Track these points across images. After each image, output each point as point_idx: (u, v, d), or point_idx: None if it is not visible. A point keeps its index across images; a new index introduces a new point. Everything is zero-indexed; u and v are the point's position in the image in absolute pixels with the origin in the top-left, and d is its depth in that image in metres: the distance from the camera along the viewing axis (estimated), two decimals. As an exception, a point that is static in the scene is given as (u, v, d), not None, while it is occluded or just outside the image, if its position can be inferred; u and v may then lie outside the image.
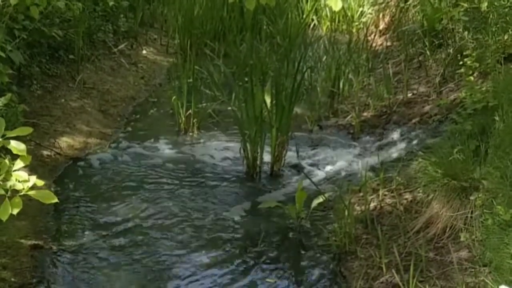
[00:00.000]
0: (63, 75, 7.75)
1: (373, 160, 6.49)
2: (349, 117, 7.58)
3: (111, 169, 6.49)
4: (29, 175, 2.84)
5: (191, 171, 6.54)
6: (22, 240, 5.13)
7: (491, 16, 6.67)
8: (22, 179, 2.74)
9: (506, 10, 6.36)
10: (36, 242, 5.14)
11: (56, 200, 2.77)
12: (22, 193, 2.75)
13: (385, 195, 5.69)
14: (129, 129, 7.51)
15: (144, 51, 9.55)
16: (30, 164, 2.96)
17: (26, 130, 2.86)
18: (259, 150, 6.47)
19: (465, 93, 5.87)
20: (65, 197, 5.91)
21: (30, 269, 4.86)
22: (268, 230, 5.56)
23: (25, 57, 6.87)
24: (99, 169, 6.49)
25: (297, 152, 6.76)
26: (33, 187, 2.78)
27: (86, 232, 5.40)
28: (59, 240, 5.26)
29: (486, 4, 5.64)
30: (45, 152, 6.47)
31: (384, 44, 9.89)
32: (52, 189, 5.89)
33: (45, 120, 6.91)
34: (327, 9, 11.17)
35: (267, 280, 4.97)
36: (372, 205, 5.60)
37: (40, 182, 2.77)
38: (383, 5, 10.58)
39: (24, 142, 2.92)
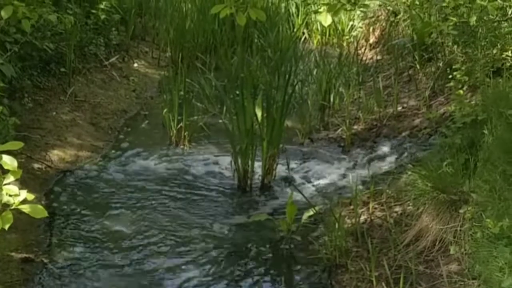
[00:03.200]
0: (55, 88, 7.75)
1: (363, 173, 6.52)
2: (339, 130, 7.61)
3: (102, 182, 6.49)
4: (20, 188, 2.84)
5: (182, 184, 6.55)
6: (13, 253, 5.12)
7: (480, 30, 6.71)
8: (13, 193, 2.74)
9: (495, 24, 6.41)
10: (26, 255, 5.13)
11: (46, 214, 2.78)
12: (12, 207, 2.75)
13: (375, 208, 5.71)
14: (120, 142, 7.51)
15: (135, 64, 9.57)
16: (21, 177, 2.97)
17: (17, 145, 2.86)
18: (250, 163, 6.48)
19: (455, 106, 5.90)
20: (56, 210, 5.91)
21: (21, 282, 4.85)
22: (258, 243, 5.57)
23: (16, 70, 6.87)
24: (90, 182, 6.48)
25: (288, 165, 6.78)
26: (24, 201, 2.78)
27: (77, 245, 5.39)
28: (49, 253, 5.25)
29: (475, 18, 5.67)
30: (36, 165, 6.47)
31: (375, 57, 9.95)
32: (43, 202, 5.90)
33: (36, 133, 6.91)
34: (318, 23, 11.22)
35: (258, 293, 4.98)
36: (362, 218, 5.62)
37: (31, 196, 2.77)
38: (373, 19, 10.65)
39: (15, 155, 2.92)
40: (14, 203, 2.74)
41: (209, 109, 7.98)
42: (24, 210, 2.76)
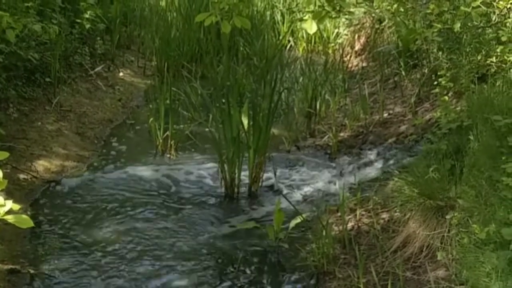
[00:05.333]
0: (40, 98, 7.72)
1: (350, 180, 6.52)
2: (326, 137, 7.62)
3: (88, 192, 6.46)
4: (5, 199, 2.82)
5: (169, 193, 6.53)
6: (-1, 265, 5.10)
7: (464, 36, 6.75)
8: (-2, 203, 2.73)
9: (479, 30, 6.44)
10: (13, 267, 5.10)
11: (32, 224, 2.76)
12: (-2, 218, 2.73)
13: (362, 215, 5.72)
14: (106, 151, 7.49)
15: (121, 73, 9.55)
16: (6, 188, 2.95)
17: (2, 155, 2.85)
18: (236, 171, 6.48)
19: (440, 112, 5.91)
20: (42, 220, 5.87)
21: (7, 294, 4.83)
22: (246, 251, 5.56)
23: (1, 80, 6.85)
24: (76, 192, 6.45)
25: (275, 172, 6.78)
26: (9, 211, 2.76)
27: (63, 256, 5.36)
28: (36, 264, 5.22)
29: (459, 25, 5.69)
30: (21, 176, 6.43)
31: (360, 64, 9.99)
32: (29, 212, 5.86)
33: (22, 143, 6.88)
34: (303, 30, 11.25)
35: (246, 301, 4.97)
36: (349, 225, 5.62)
37: (16, 207, 2.75)
38: (358, 26, 10.70)
39: (0, 166, 2.91)
40: (-1, 213, 2.72)
41: (195, 117, 7.98)
42: (9, 221, 2.74)
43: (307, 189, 6.62)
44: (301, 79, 9.35)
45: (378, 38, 9.94)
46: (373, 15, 10.09)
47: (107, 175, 6.82)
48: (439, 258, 4.64)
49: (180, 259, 5.41)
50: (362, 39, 10.53)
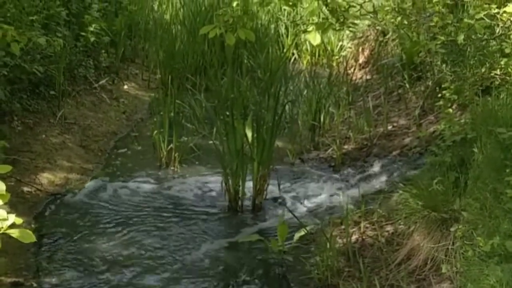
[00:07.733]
0: (44, 110, 7.74)
1: (354, 192, 6.51)
2: (330, 150, 7.62)
3: (92, 205, 6.46)
4: (9, 212, 2.82)
5: (173, 206, 6.53)
6: (2, 278, 5.08)
7: (468, 49, 6.75)
8: (1, 217, 2.72)
9: (483, 43, 6.43)
10: (16, 279, 5.09)
11: (34, 239, 2.75)
12: (1, 232, 2.73)
13: (366, 227, 5.70)
14: (111, 164, 7.50)
15: (125, 86, 9.57)
16: (10, 201, 2.95)
17: (5, 168, 2.85)
18: (240, 184, 6.47)
19: (444, 125, 5.90)
20: (46, 233, 5.87)
21: (10, 307, 4.82)
22: (250, 264, 5.55)
23: (5, 93, 6.86)
24: (80, 205, 6.45)
25: (279, 185, 6.77)
26: (13, 225, 2.76)
27: (67, 269, 5.35)
28: (39, 277, 5.21)
29: (462, 37, 5.69)
30: (25, 189, 6.44)
31: (364, 77, 9.98)
32: (33, 225, 5.86)
33: (26, 156, 6.88)
34: (307, 43, 11.28)
35: (250, 314, 4.95)
36: (353, 237, 5.60)
37: (19, 220, 2.74)
38: (362, 39, 10.70)
39: (4, 178, 2.91)
40: (2, 227, 2.72)
41: (199, 130, 7.98)
42: (12, 235, 2.74)
43: (311, 202, 6.61)
44: (305, 91, 9.35)
45: (382, 51, 9.94)
46: (377, 27, 10.10)
47: (111, 188, 6.82)
48: (443, 270, 4.63)
49: (184, 272, 5.40)
50: (366, 52, 10.54)
